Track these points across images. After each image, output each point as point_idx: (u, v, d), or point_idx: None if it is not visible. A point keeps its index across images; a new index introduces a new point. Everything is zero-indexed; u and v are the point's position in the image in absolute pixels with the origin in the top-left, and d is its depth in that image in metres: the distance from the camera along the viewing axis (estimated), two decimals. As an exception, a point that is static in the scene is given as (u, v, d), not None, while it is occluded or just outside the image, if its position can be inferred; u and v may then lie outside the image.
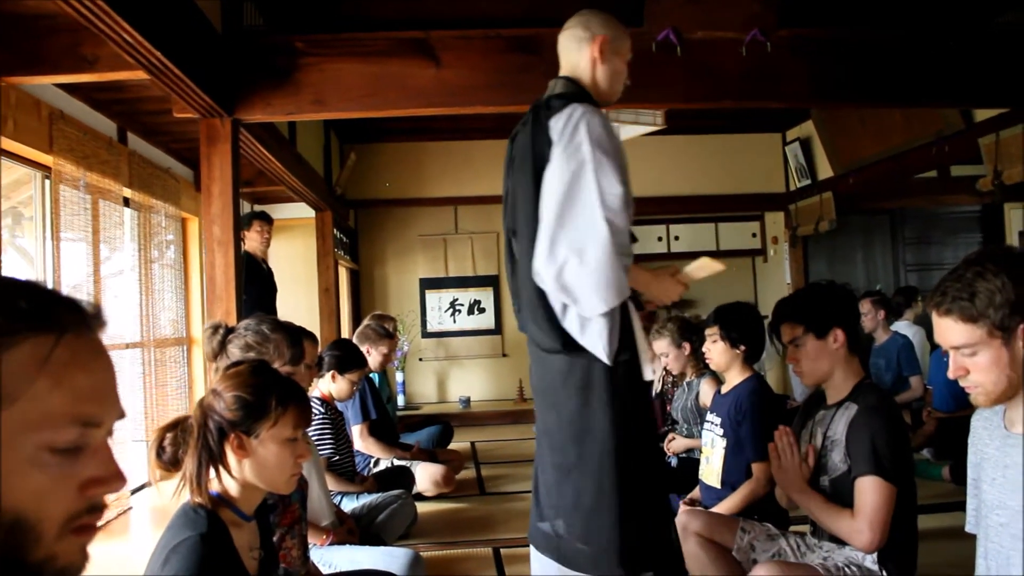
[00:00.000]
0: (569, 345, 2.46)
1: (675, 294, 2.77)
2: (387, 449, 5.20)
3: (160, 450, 1.82)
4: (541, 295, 2.46)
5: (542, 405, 2.65)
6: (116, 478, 0.85)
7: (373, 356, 5.41)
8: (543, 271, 2.37)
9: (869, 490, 2.56)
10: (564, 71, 2.65)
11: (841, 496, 2.68)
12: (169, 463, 1.82)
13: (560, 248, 2.35)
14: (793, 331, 2.82)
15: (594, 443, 2.48)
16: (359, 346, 5.38)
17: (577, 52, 2.63)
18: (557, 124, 2.41)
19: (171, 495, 1.81)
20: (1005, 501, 1.90)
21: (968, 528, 2.11)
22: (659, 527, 2.57)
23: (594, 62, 2.60)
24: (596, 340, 2.43)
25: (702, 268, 2.75)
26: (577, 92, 2.56)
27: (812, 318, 2.78)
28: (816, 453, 2.79)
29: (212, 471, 1.80)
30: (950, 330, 1.85)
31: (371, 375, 5.49)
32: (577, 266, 2.34)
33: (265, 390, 1.83)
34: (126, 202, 5.00)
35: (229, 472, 1.81)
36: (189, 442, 1.79)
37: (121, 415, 0.88)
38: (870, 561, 2.65)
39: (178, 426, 1.83)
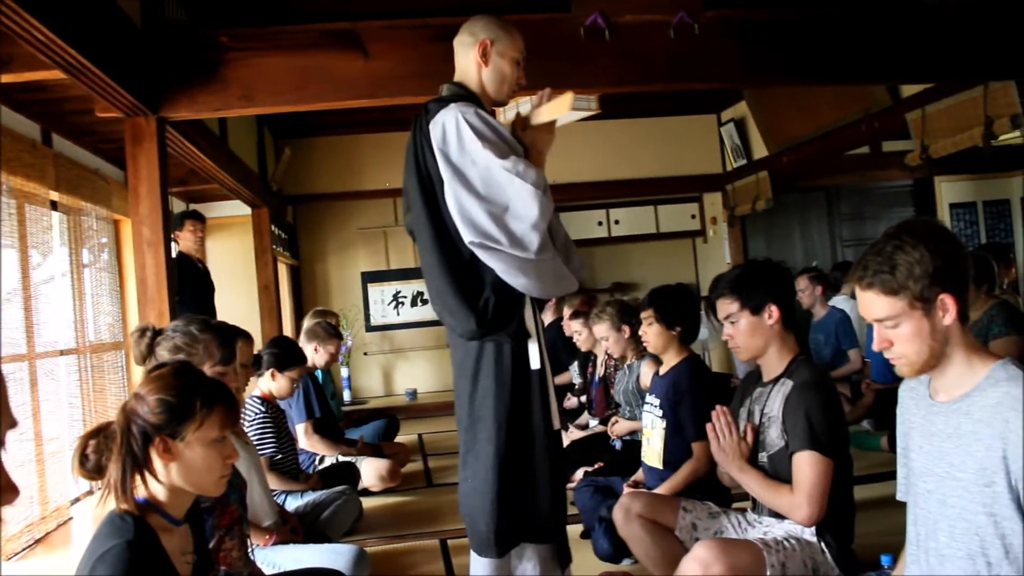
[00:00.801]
0: (481, 324, 2.59)
1: (550, 139, 2.79)
2: (332, 446, 5.16)
3: (83, 458, 1.78)
4: (450, 279, 2.59)
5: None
6: (7, 490, 0.82)
7: (320, 354, 5.37)
8: (478, 228, 2.52)
9: (806, 465, 2.60)
10: (456, 76, 2.78)
11: (780, 472, 2.72)
12: (93, 471, 1.78)
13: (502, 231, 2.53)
14: (728, 307, 2.85)
15: (482, 430, 2.65)
16: (307, 344, 5.33)
17: (465, 57, 2.76)
18: (435, 132, 2.59)
19: (95, 504, 1.77)
20: (931, 468, 1.93)
21: (899, 496, 2.15)
22: (546, 509, 2.70)
23: (478, 65, 2.73)
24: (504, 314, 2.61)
25: (547, 110, 2.71)
26: (460, 95, 2.69)
27: (747, 294, 2.82)
28: (755, 431, 2.83)
29: (138, 477, 1.76)
30: (873, 303, 1.88)
31: (315, 372, 5.45)
32: (517, 222, 2.54)
33: (189, 391, 1.80)
34: (54, 205, 4.87)
35: (156, 477, 1.77)
36: (112, 448, 1.75)
37: (12, 425, 0.85)
38: (808, 533, 2.70)
39: (101, 433, 1.79)
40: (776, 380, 2.82)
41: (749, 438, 2.83)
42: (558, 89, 2.77)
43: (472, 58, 2.73)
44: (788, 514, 2.68)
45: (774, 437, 2.76)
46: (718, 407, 2.90)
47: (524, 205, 2.52)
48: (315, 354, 5.36)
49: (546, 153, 2.76)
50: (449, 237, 2.58)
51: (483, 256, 2.53)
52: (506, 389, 2.63)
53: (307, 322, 5.77)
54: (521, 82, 2.83)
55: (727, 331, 2.88)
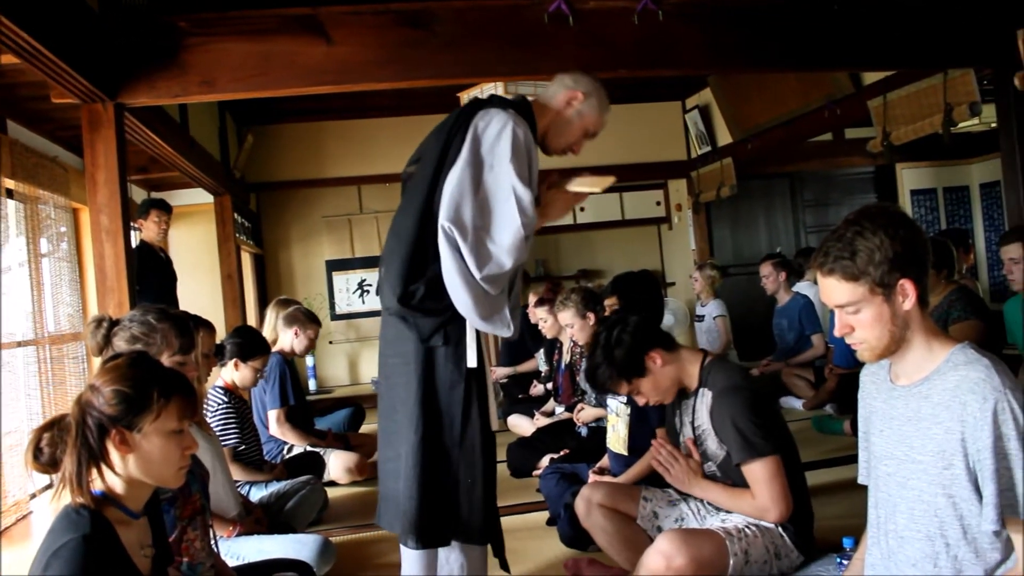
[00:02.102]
0: (403, 303, 2.52)
1: (570, 204, 2.81)
2: (302, 436, 5.13)
3: (37, 451, 1.75)
4: (409, 244, 2.53)
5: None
6: None
7: (300, 339, 5.32)
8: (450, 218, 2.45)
9: (756, 471, 2.68)
10: (536, 98, 2.76)
11: (732, 476, 2.79)
12: (47, 464, 1.75)
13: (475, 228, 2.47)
14: (623, 388, 2.95)
15: (405, 415, 2.57)
16: (287, 328, 5.28)
17: (556, 89, 2.75)
18: (482, 120, 2.53)
19: (51, 498, 1.74)
20: (892, 451, 1.95)
21: (860, 479, 2.18)
22: (478, 508, 2.59)
23: (558, 109, 2.72)
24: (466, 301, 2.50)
25: (585, 183, 2.73)
26: (524, 108, 2.65)
27: (626, 370, 2.89)
28: (695, 443, 2.88)
29: (95, 470, 1.73)
30: (834, 289, 1.89)
31: (292, 359, 5.41)
32: (489, 242, 2.48)
33: (146, 382, 1.76)
34: (9, 194, 4.78)
35: (112, 469, 1.74)
36: (67, 441, 1.72)
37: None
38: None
39: (55, 425, 1.76)
40: (696, 391, 2.89)
41: (694, 453, 2.88)
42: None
43: (559, 98, 2.73)
44: (760, 518, 2.75)
45: (714, 448, 2.83)
46: (656, 440, 3.00)
47: (505, 233, 2.47)
48: (295, 339, 5.29)
49: (550, 219, 2.75)
50: (432, 209, 2.51)
51: (442, 244, 2.47)
52: (437, 380, 2.56)
53: (271, 311, 5.71)
54: (575, 151, 2.83)
55: (639, 399, 2.99)
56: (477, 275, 2.44)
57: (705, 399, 2.81)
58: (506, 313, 2.56)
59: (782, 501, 2.67)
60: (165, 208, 5.99)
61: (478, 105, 2.60)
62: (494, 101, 2.62)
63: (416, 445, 2.52)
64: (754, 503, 2.71)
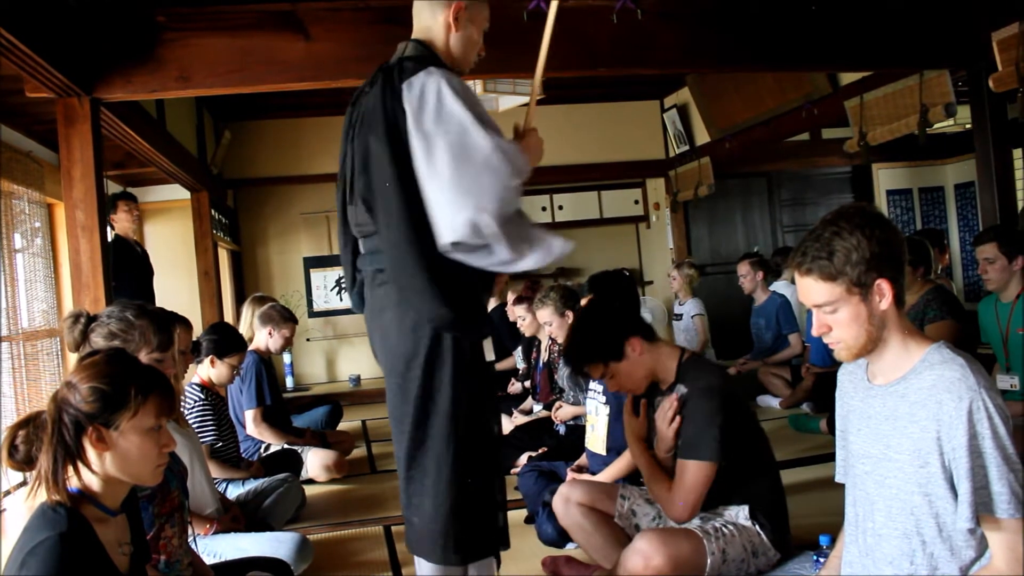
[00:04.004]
0: (446, 303, 2.31)
1: (539, 140, 2.58)
2: (279, 435, 5.10)
3: (12, 449, 1.73)
4: (419, 259, 2.28)
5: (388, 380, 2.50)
6: None
7: (275, 338, 5.27)
8: (457, 229, 2.22)
9: (690, 471, 2.71)
10: (417, 34, 2.55)
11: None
12: (23, 462, 1.73)
13: (468, 211, 2.22)
14: (598, 370, 2.94)
15: (437, 427, 2.36)
16: (261, 327, 5.25)
17: (431, 16, 2.52)
18: (411, 92, 2.30)
19: (26, 496, 1.72)
20: (869, 450, 1.97)
21: (837, 478, 2.19)
22: (503, 516, 2.49)
23: (448, 28, 2.50)
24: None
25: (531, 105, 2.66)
26: (429, 56, 2.46)
27: (605, 352, 2.89)
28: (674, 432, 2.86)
29: (71, 467, 1.71)
30: (812, 289, 1.90)
31: (269, 358, 5.38)
32: (489, 220, 2.22)
33: (123, 379, 1.75)
34: (-17, 189, 4.74)
35: (89, 467, 1.73)
36: (43, 438, 1.70)
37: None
38: (743, 517, 2.79)
39: (31, 423, 1.74)
40: (672, 387, 2.89)
41: (663, 428, 2.86)
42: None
43: (441, 20, 2.50)
44: (661, 506, 2.82)
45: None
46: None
47: (494, 185, 2.25)
48: (269, 338, 5.25)
49: (535, 163, 2.50)
50: (419, 223, 2.28)
51: (461, 257, 2.28)
52: (465, 384, 2.37)
53: (247, 308, 5.67)
54: (481, 54, 2.64)
55: (611, 385, 3.00)
56: (510, 257, 2.27)
57: (681, 393, 2.82)
58: (537, 232, 2.37)
59: (689, 508, 2.72)
60: (131, 199, 5.96)
61: (395, 76, 2.35)
62: (406, 65, 2.37)
63: (453, 454, 2.35)
64: (667, 494, 2.76)
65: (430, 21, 2.52)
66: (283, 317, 5.35)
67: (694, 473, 2.69)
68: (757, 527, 2.75)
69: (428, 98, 2.29)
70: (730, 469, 2.74)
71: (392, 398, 2.46)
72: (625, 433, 3.01)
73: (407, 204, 2.28)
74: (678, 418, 2.78)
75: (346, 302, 9.11)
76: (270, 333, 5.24)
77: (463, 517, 2.35)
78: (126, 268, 5.70)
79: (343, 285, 9.19)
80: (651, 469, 2.85)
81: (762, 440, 2.91)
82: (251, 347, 5.17)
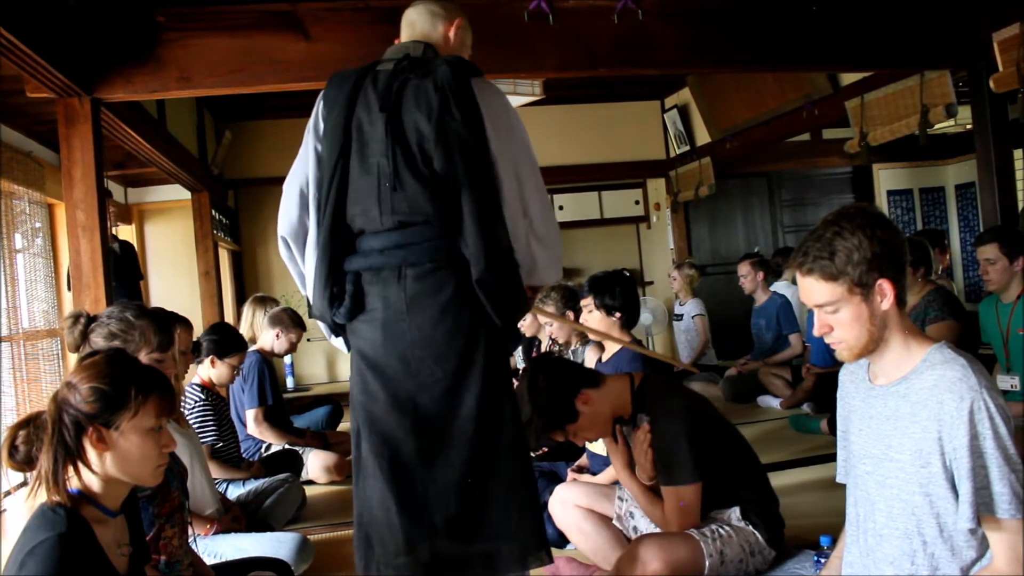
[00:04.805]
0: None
1: None
2: (280, 435, 5.10)
3: (13, 449, 1.73)
4: (513, 264, 2.37)
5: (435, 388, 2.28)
6: None
7: (281, 340, 5.27)
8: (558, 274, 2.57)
9: (674, 498, 2.74)
10: (418, 37, 2.53)
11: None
12: (23, 462, 1.73)
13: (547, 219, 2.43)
14: (561, 436, 2.92)
15: (507, 434, 2.27)
16: (270, 329, 5.25)
17: (431, 27, 2.53)
18: (496, 100, 2.36)
19: (26, 496, 1.72)
20: (870, 450, 1.97)
21: (839, 478, 2.19)
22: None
23: (447, 41, 2.54)
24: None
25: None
26: (468, 64, 2.47)
27: (559, 420, 2.85)
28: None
29: (71, 468, 1.71)
30: (813, 289, 1.90)
31: (272, 359, 5.37)
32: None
33: (123, 379, 1.75)
34: (-17, 189, 4.74)
35: (89, 467, 1.73)
36: (43, 439, 1.70)
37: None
38: (735, 519, 2.79)
39: (31, 423, 1.74)
40: (633, 416, 2.89)
41: (640, 460, 2.86)
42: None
43: (440, 32, 2.53)
44: (661, 528, 2.84)
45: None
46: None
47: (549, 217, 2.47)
48: (276, 340, 5.25)
49: None
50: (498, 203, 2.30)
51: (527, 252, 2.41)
52: (509, 382, 2.36)
53: (247, 308, 5.67)
54: None
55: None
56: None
57: (643, 425, 2.82)
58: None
59: (679, 526, 2.74)
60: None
61: (447, 72, 2.31)
62: (467, 67, 2.38)
63: (524, 459, 2.35)
64: (661, 516, 2.81)
65: (429, 30, 2.54)
66: (293, 322, 5.34)
67: (679, 498, 2.71)
68: (751, 527, 2.76)
69: (515, 125, 2.38)
70: (713, 478, 2.76)
71: (429, 404, 2.26)
72: (612, 463, 3.00)
73: (488, 192, 2.29)
74: (650, 449, 2.78)
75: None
76: (277, 335, 5.24)
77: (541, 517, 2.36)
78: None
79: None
80: (644, 496, 2.87)
81: (739, 441, 2.93)
82: (255, 347, 5.17)
